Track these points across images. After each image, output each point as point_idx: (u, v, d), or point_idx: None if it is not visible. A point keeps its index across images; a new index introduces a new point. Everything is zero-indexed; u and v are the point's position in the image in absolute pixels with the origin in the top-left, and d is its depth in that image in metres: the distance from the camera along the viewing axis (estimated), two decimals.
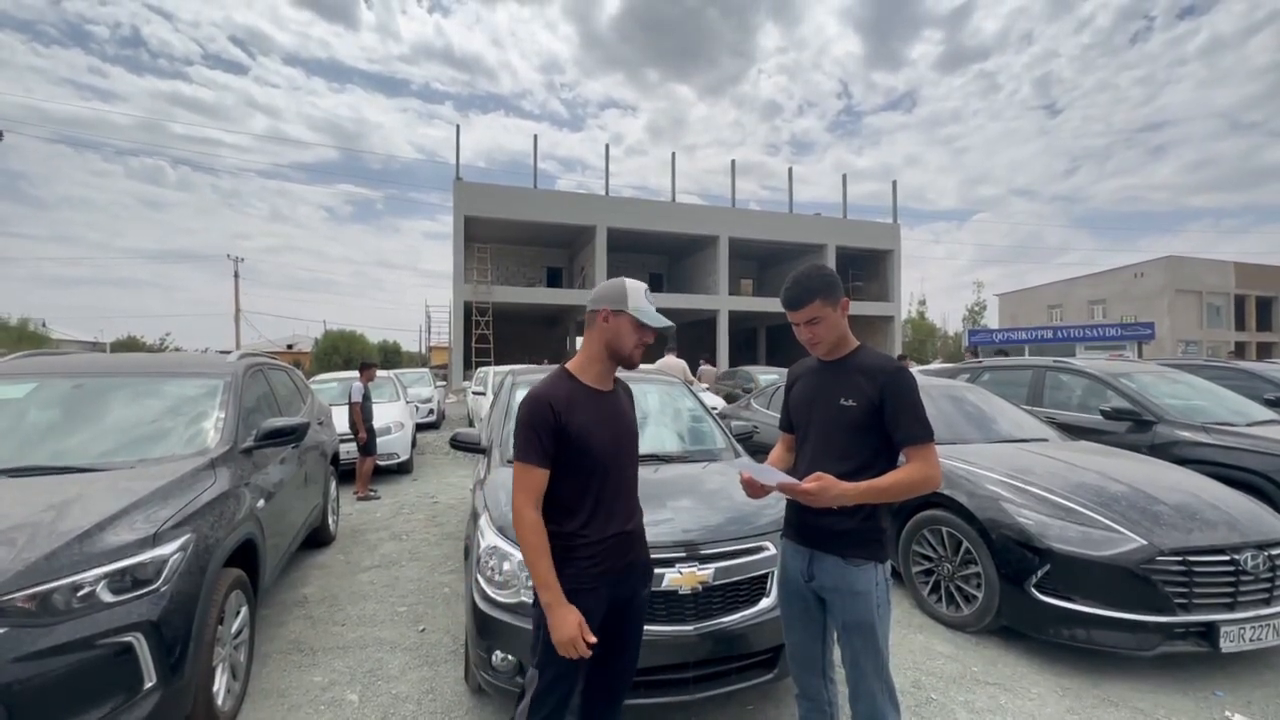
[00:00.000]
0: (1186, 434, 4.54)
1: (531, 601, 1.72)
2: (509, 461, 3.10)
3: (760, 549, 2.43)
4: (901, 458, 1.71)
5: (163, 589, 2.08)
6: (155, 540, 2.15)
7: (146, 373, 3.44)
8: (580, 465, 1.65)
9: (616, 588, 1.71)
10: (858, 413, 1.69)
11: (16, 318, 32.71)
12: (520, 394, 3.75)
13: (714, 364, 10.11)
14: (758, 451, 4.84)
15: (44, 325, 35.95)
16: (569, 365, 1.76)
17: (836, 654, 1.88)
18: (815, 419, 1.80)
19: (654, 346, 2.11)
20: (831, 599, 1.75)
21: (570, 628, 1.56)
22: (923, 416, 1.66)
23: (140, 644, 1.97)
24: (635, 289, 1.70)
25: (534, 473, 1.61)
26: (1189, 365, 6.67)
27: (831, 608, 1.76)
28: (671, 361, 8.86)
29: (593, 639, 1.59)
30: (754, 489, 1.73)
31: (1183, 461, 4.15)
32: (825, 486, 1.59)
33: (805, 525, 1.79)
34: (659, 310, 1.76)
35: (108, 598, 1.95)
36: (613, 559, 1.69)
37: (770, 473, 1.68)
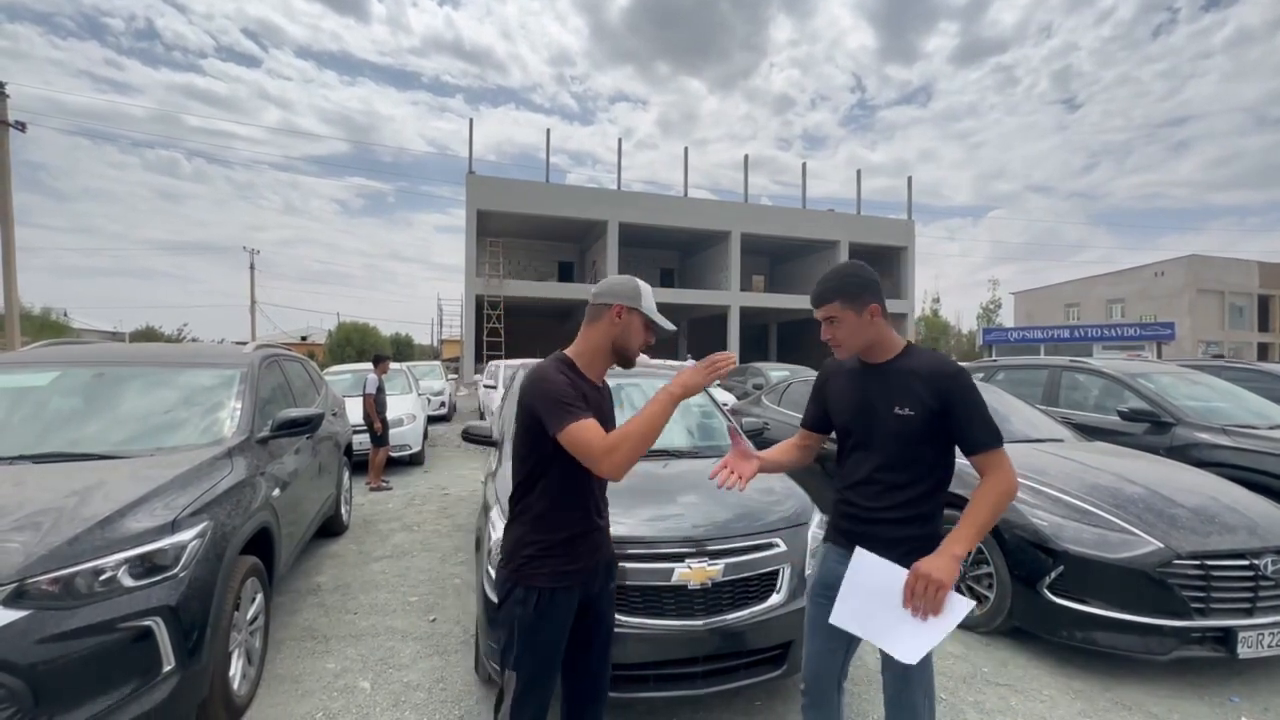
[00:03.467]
0: (1206, 436, 4.47)
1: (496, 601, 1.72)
2: None
3: (770, 545, 2.43)
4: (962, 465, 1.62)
5: (181, 575, 2.12)
6: (174, 527, 2.19)
7: (165, 363, 3.50)
8: (572, 459, 1.56)
9: (588, 585, 1.69)
10: (917, 422, 1.57)
11: (39, 307, 33.35)
12: None
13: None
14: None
15: (65, 315, 36.61)
16: (569, 354, 1.68)
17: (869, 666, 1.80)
18: (866, 427, 1.67)
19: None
20: None
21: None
22: (991, 420, 1.55)
23: (159, 628, 2.01)
24: (647, 289, 1.70)
25: (589, 423, 1.49)
26: (1209, 366, 6.55)
27: None
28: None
29: None
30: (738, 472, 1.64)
31: (1202, 464, 4.08)
32: (932, 576, 1.46)
33: (854, 532, 1.67)
34: (664, 305, 1.74)
35: (128, 582, 1.99)
36: (586, 556, 1.67)
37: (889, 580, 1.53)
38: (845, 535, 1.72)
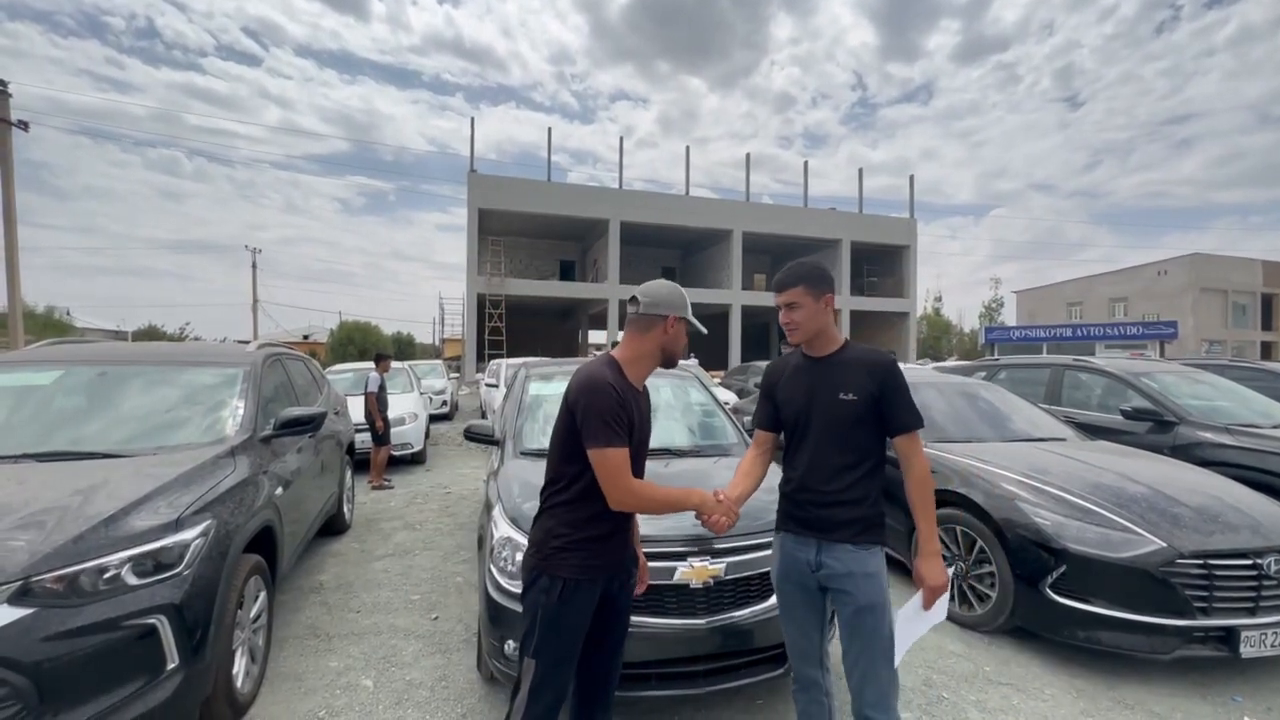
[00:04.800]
0: (1209, 435, 4.46)
1: (520, 590, 1.75)
2: (522, 453, 3.12)
3: (772, 544, 2.42)
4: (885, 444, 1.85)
5: (185, 573, 2.13)
6: (178, 525, 2.19)
7: (169, 361, 3.51)
8: None
9: (609, 582, 1.74)
10: (860, 406, 1.78)
11: (42, 306, 33.40)
12: (535, 386, 3.77)
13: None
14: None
15: (68, 314, 36.66)
16: (617, 357, 1.76)
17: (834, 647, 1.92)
18: (815, 414, 1.83)
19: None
20: (843, 585, 1.77)
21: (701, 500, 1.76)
22: (915, 405, 1.81)
23: (163, 626, 2.01)
24: (687, 297, 1.81)
25: (622, 453, 1.61)
26: (1212, 365, 6.54)
27: (842, 595, 1.77)
28: None
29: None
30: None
31: (1205, 463, 4.07)
32: (936, 583, 1.77)
33: (810, 517, 1.83)
34: None
35: (132, 581, 2.00)
36: (610, 553, 1.73)
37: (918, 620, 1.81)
38: (800, 521, 1.87)
